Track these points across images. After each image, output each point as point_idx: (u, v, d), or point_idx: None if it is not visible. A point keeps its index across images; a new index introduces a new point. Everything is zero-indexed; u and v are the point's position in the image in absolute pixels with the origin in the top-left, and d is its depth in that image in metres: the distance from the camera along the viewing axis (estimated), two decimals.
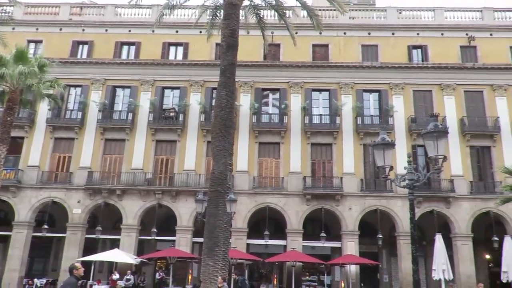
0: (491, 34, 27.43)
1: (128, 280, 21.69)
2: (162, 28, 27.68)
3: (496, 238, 22.84)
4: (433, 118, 7.41)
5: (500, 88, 26.21)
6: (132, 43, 28.38)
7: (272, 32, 25.67)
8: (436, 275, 21.78)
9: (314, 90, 26.99)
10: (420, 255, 27.06)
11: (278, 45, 27.59)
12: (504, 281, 21.89)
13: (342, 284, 23.91)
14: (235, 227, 23.60)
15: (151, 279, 26.03)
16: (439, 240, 22.30)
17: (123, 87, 27.67)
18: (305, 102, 26.28)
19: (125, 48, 28.60)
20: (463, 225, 24.26)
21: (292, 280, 22.86)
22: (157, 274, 25.60)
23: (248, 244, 24.93)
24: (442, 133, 7.14)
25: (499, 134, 25.45)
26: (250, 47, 25.90)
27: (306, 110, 26.16)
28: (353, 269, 23.81)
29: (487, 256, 27.30)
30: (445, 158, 7.22)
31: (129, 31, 28.46)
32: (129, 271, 22.23)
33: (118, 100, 27.60)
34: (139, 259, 23.12)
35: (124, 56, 28.34)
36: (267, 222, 24.43)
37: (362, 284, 23.02)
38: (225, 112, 14.48)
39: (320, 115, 26.40)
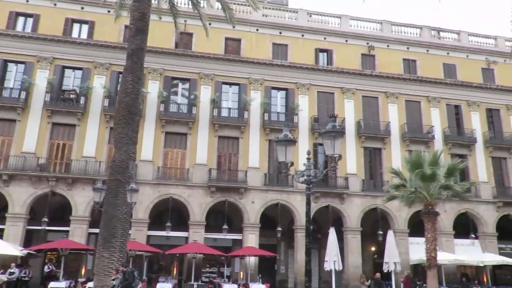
0: (388, 46, 29.95)
1: (11, 273, 19.83)
2: (66, 2, 25.66)
3: (381, 232, 25.10)
4: (332, 118, 7.85)
5: (393, 96, 28.75)
6: (30, 15, 25.89)
7: (185, 21, 25.29)
8: (328, 266, 23.29)
9: (224, 83, 27.10)
10: (315, 247, 28.77)
11: (190, 35, 27.20)
12: (385, 271, 24.20)
13: (241, 275, 24.48)
14: (136, 218, 22.88)
15: (38, 273, 24.11)
16: (332, 233, 23.85)
17: (16, 62, 25.12)
18: (215, 95, 26.28)
19: (21, 19, 26.01)
20: (354, 219, 26.24)
21: (192, 272, 22.81)
22: (46, 267, 23.83)
23: (149, 236, 24.32)
24: (338, 133, 7.61)
25: (389, 138, 27.95)
26: (161, 33, 25.18)
27: (216, 103, 26.18)
28: (252, 260, 24.47)
29: (373, 248, 29.92)
30: (340, 157, 7.71)
31: (27, 1, 25.90)
32: (13, 264, 20.33)
33: (9, 76, 25.02)
34: (25, 251, 21.29)
35: (19, 28, 25.75)
36: (169, 213, 24.05)
37: (260, 275, 23.77)
38: (130, 98, 13.87)
39: (229, 108, 26.61)
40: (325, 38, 29.21)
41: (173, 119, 25.56)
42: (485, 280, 26.95)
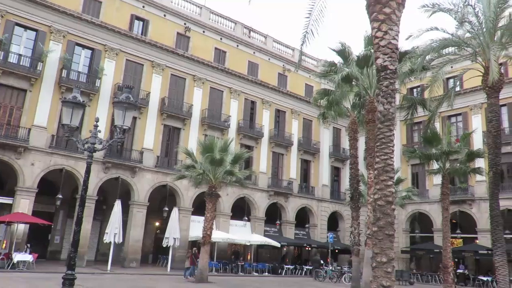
0: (203, 32, 30.89)
1: None
2: None
3: (167, 209, 25.90)
4: (127, 89, 7.67)
5: (200, 80, 29.85)
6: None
7: None
8: (108, 238, 22.86)
9: (18, 24, 23.40)
10: (98, 219, 27.81)
11: None
12: (164, 245, 25.20)
13: (4, 244, 21.71)
14: None
15: None
16: (117, 205, 23.48)
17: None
18: (3, 35, 22.43)
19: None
20: (142, 194, 26.30)
21: None
22: None
23: None
24: (131, 105, 7.49)
25: (190, 120, 28.95)
26: None
27: (3, 44, 22.38)
28: (21, 228, 22.03)
29: (157, 224, 30.66)
30: (129, 129, 7.60)
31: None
32: None
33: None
34: None
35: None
36: None
37: (28, 245, 21.54)
38: None
39: (20, 55, 23.14)
40: (143, 7, 28.22)
41: None
42: (249, 257, 30.75)
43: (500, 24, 16.18)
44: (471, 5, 16.17)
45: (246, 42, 33.28)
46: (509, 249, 27.18)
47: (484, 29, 16.00)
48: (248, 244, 29.26)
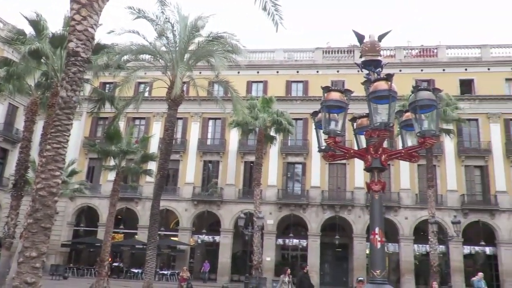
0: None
1: None
2: None
3: None
4: None
5: None
6: None
7: None
8: None
9: None
10: None
11: None
12: None
13: None
14: None
15: None
16: None
17: None
18: None
19: None
20: None
21: None
22: None
23: None
24: None
25: None
26: None
27: None
28: None
29: None
30: None
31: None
32: None
33: None
34: None
35: None
36: None
37: None
38: None
39: None
40: None
41: None
42: None
43: (190, 48, 18.46)
44: (171, 23, 17.79)
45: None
46: (161, 244, 30.87)
47: (177, 48, 17.87)
48: None
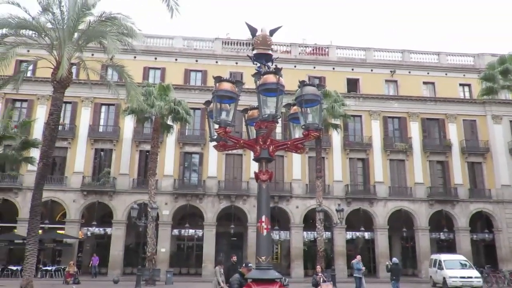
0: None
1: None
2: None
3: None
4: None
5: None
6: None
7: None
8: None
9: None
10: None
11: None
12: None
13: None
14: None
15: None
16: None
17: None
18: None
19: None
20: None
21: None
22: None
23: None
24: None
25: None
26: None
27: None
28: None
29: None
30: None
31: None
32: None
33: None
34: None
35: None
36: None
37: None
38: None
39: None
40: None
41: None
42: None
43: (80, 27, 17.14)
44: None
45: None
46: (45, 238, 28.49)
47: (65, 26, 16.47)
48: None
